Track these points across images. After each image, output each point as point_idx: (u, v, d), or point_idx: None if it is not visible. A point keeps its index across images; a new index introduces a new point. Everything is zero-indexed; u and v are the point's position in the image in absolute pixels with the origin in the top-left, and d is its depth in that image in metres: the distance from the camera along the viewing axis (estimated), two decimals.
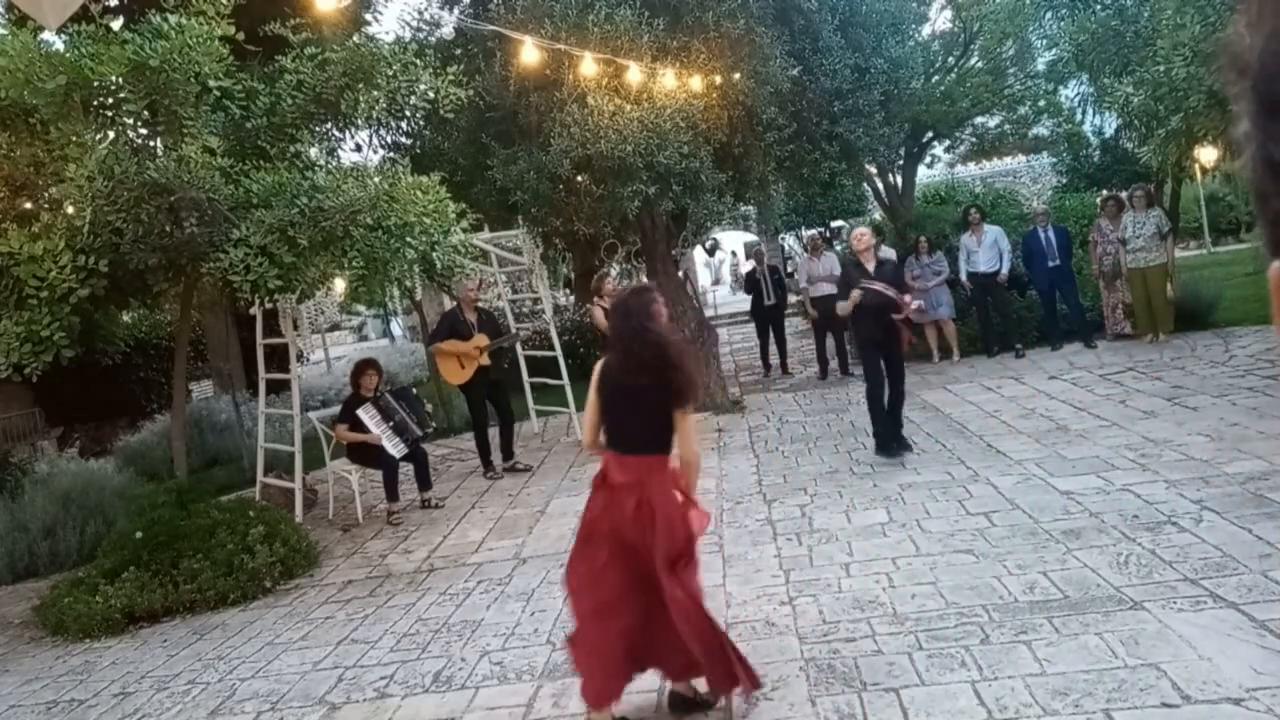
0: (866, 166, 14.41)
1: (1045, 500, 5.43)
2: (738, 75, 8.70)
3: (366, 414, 7.59)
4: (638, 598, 3.42)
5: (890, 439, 7.09)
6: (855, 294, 6.80)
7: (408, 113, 7.69)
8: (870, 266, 6.98)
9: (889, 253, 11.19)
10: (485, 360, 8.35)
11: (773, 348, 12.54)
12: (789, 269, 18.89)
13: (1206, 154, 10.27)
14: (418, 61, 7.03)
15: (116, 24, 7.10)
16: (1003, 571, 4.49)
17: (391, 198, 6.27)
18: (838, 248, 19.10)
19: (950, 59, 15.73)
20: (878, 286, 6.76)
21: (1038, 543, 4.78)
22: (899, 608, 4.26)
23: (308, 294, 7.45)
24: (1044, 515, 5.17)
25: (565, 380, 9.99)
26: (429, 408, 8.45)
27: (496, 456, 8.76)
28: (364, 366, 7.91)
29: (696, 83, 8.41)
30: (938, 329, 10.97)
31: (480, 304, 8.91)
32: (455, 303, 9.24)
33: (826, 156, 10.13)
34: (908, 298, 6.82)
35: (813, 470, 7.07)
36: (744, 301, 14.89)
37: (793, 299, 13.91)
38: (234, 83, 6.54)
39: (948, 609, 4.16)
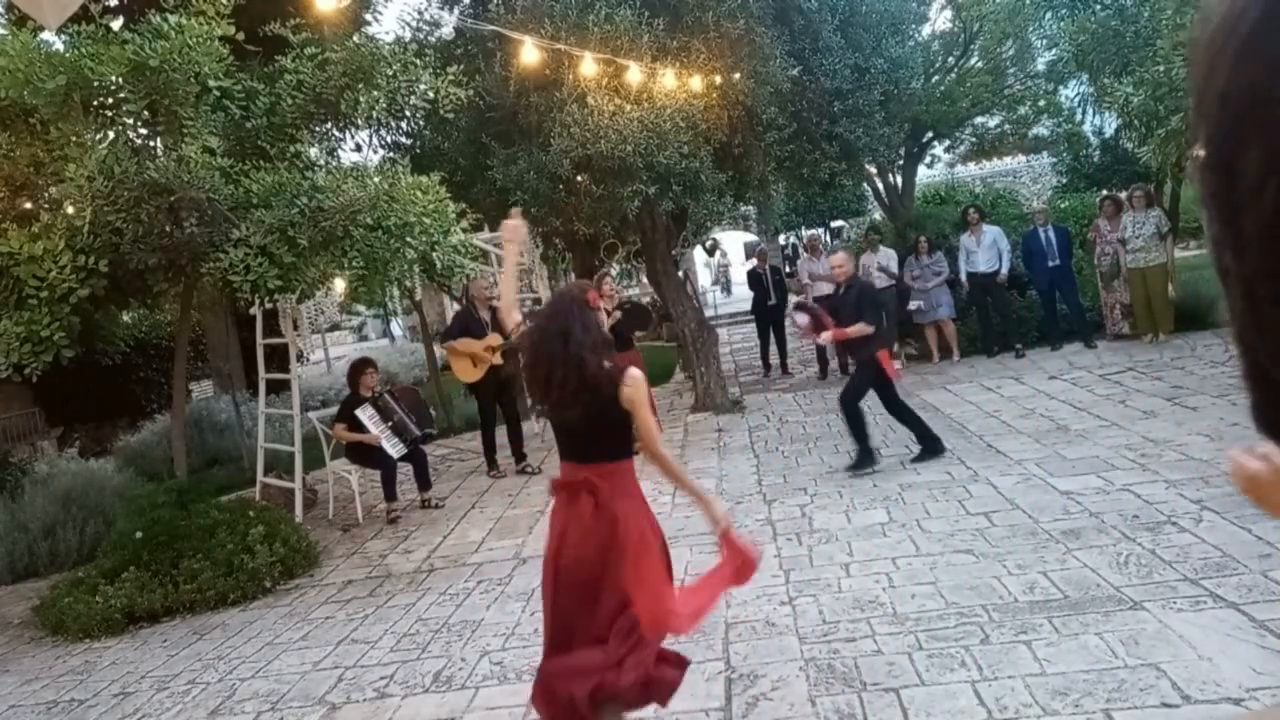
0: (866, 166, 14.41)
1: (1045, 500, 5.43)
2: (738, 75, 8.69)
3: (365, 414, 7.59)
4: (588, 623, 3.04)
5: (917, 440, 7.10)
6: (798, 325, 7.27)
7: (408, 113, 7.69)
8: (841, 290, 7.04)
9: (889, 253, 11.19)
10: (497, 360, 8.31)
11: (773, 348, 12.53)
12: (789, 269, 18.89)
13: None
14: (418, 61, 7.03)
15: (116, 24, 7.10)
16: (1003, 571, 4.49)
17: (391, 198, 6.27)
18: (837, 248, 19.09)
19: (950, 59, 15.72)
20: (798, 318, 7.00)
21: (1038, 543, 4.78)
22: (899, 608, 4.26)
23: (308, 294, 7.45)
24: (1044, 515, 5.17)
25: None
26: (430, 413, 8.45)
27: (499, 456, 8.75)
28: (362, 366, 7.90)
29: (696, 83, 8.41)
30: (938, 329, 10.97)
31: (494, 303, 8.87)
32: (458, 303, 9.24)
33: (826, 156, 10.12)
34: (827, 335, 6.90)
35: (813, 470, 7.07)
36: (743, 302, 14.89)
37: (793, 299, 13.91)
38: (234, 83, 6.54)
39: (948, 609, 4.16)
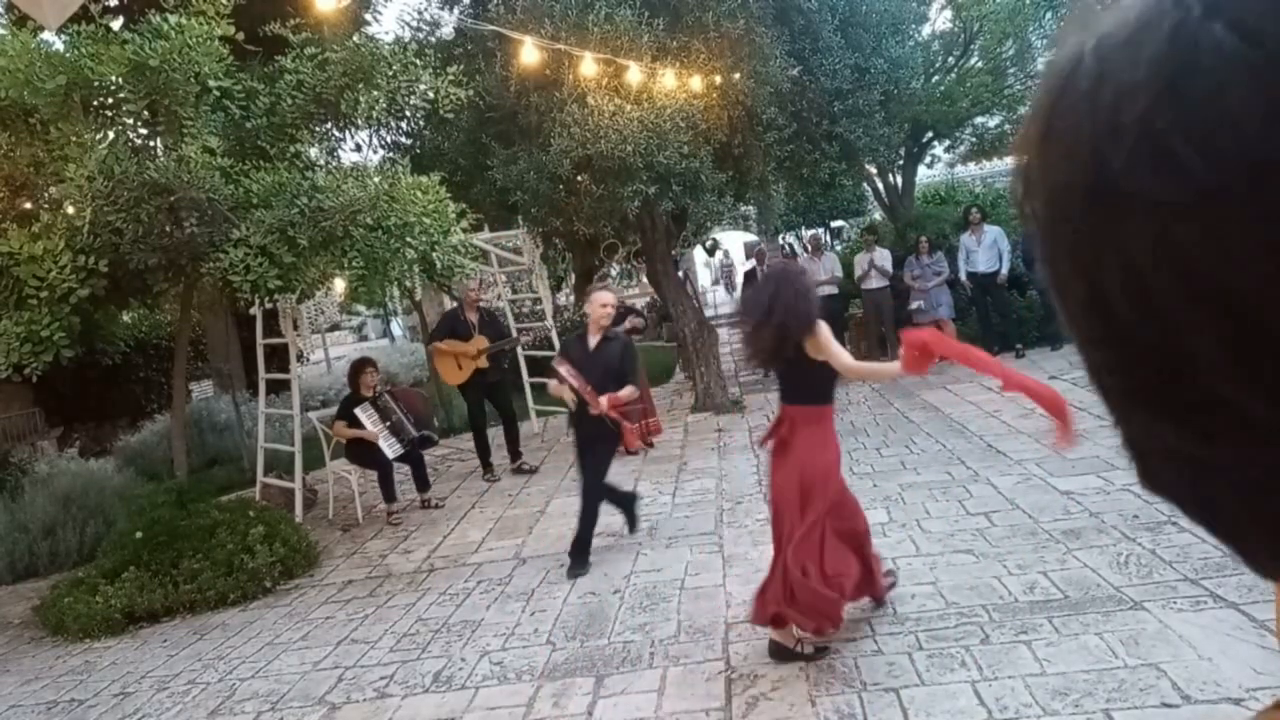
0: (866, 166, 14.41)
1: (1045, 500, 5.43)
2: (738, 75, 8.69)
3: (364, 413, 7.60)
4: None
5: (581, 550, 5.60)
6: (552, 383, 5.44)
7: (408, 113, 7.69)
8: (593, 342, 5.44)
9: (884, 254, 11.19)
10: (483, 363, 8.29)
11: None
12: None
13: None
14: (418, 61, 7.03)
15: (116, 24, 7.10)
16: (1003, 571, 4.49)
17: (391, 198, 6.27)
18: (837, 248, 19.11)
19: (950, 59, 15.71)
20: (564, 371, 5.27)
21: (1038, 543, 4.78)
22: (899, 608, 4.26)
23: (308, 294, 7.45)
24: (1044, 515, 5.17)
25: None
26: (435, 422, 8.43)
27: (496, 457, 8.73)
28: (362, 365, 7.90)
29: (696, 83, 8.41)
30: (937, 329, 10.97)
31: (482, 304, 8.87)
32: (456, 303, 9.23)
33: (826, 156, 10.12)
34: (603, 400, 5.24)
35: None
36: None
37: None
38: (234, 83, 6.54)
39: (948, 609, 4.16)
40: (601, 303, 5.47)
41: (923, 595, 4.36)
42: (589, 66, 7.67)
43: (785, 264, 4.32)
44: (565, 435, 9.87)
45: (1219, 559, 4.19)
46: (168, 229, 5.86)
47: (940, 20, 15.82)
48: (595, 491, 5.60)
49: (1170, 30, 0.30)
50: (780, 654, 3.90)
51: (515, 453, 8.72)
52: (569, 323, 15.00)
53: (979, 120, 17.11)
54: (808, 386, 3.84)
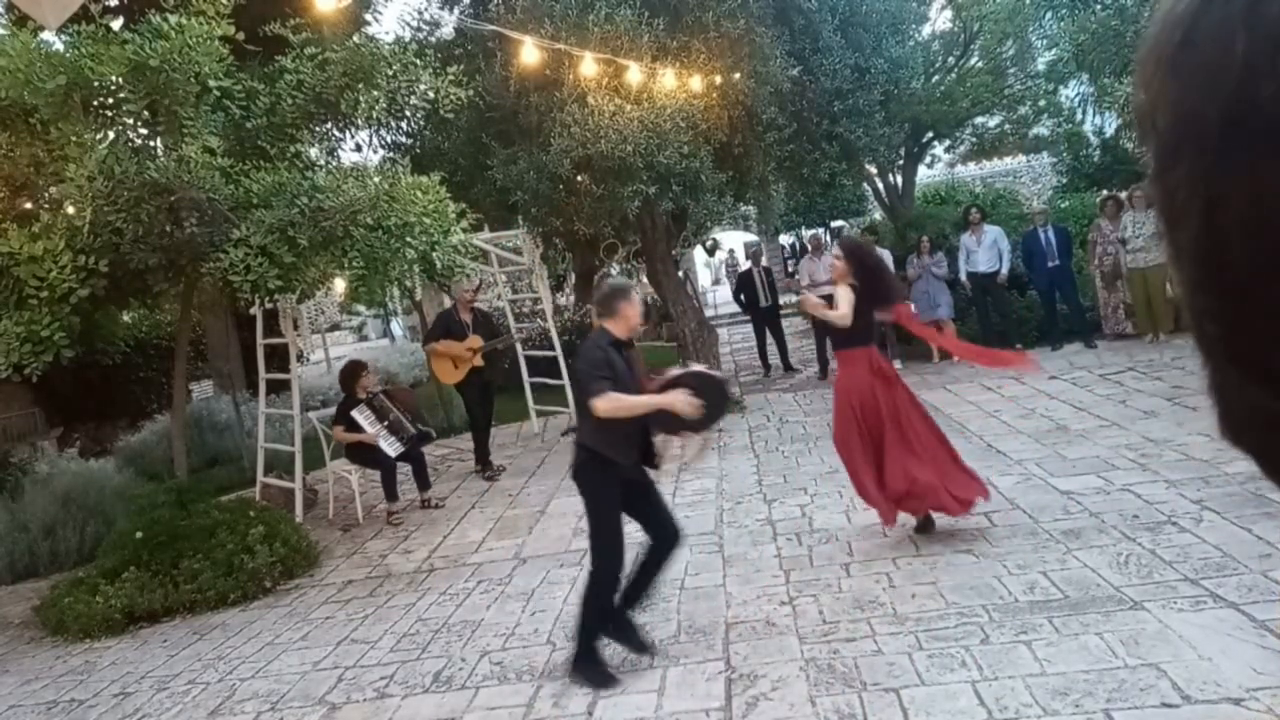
0: (866, 166, 14.41)
1: (1045, 500, 5.43)
2: (738, 75, 8.70)
3: (361, 415, 7.60)
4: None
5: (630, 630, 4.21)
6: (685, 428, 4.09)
7: (408, 113, 7.70)
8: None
9: (884, 254, 11.18)
10: (479, 361, 8.35)
11: (772, 347, 12.54)
12: (792, 269, 18.84)
13: None
14: (418, 61, 7.03)
15: (116, 24, 7.10)
16: (1003, 571, 4.49)
17: (391, 198, 6.26)
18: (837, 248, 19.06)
19: (950, 59, 15.71)
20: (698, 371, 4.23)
21: (1038, 543, 4.78)
22: (899, 608, 4.26)
23: (308, 294, 7.44)
24: (1044, 515, 5.17)
25: (565, 380, 9.98)
26: (426, 419, 8.45)
27: (495, 456, 8.76)
28: (358, 369, 7.90)
29: (696, 83, 8.41)
30: (937, 329, 10.97)
31: (478, 304, 8.92)
32: (453, 303, 9.25)
33: (826, 156, 10.14)
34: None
35: (813, 470, 7.07)
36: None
37: (792, 299, 13.91)
38: (234, 83, 6.54)
39: (948, 609, 4.16)
40: (629, 314, 4.14)
41: (923, 595, 4.36)
42: (589, 66, 7.67)
43: (864, 243, 5.97)
44: (565, 435, 9.83)
45: (1219, 559, 4.19)
46: (168, 229, 5.86)
47: (940, 20, 15.82)
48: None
49: None
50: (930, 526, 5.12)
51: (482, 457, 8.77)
52: (569, 323, 14.98)
53: (979, 120, 17.11)
54: (876, 331, 5.34)
